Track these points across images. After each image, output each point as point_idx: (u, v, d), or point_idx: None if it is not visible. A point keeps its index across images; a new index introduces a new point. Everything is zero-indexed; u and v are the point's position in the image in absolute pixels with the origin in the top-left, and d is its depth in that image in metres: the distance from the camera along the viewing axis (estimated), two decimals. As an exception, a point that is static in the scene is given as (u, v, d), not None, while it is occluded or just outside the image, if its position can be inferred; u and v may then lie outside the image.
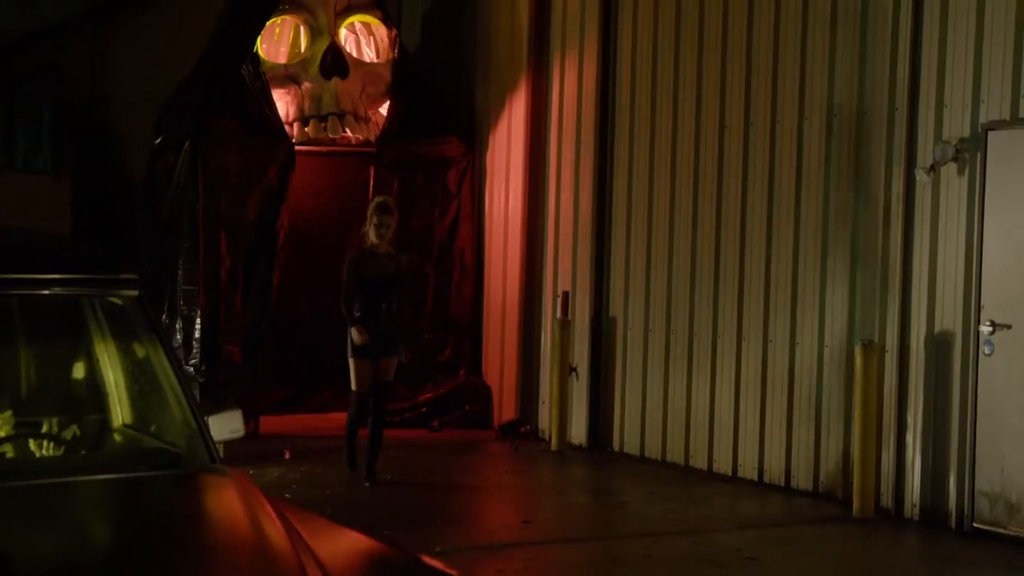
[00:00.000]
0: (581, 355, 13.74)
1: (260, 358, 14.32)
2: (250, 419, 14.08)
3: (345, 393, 15.25)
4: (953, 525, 9.95)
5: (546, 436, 13.94)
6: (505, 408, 14.91)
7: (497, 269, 15.06)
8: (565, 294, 13.96)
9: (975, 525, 9.75)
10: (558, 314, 13.91)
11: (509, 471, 12.98)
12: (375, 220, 11.41)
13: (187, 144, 14.19)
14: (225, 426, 4.95)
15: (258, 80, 14.45)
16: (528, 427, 14.53)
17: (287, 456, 12.84)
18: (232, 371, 14.16)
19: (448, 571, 3.87)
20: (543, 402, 14.21)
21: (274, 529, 3.66)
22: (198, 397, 13.83)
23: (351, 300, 11.35)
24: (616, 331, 13.41)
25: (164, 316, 14.38)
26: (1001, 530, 9.57)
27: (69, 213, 20.02)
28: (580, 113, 13.93)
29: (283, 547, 3.49)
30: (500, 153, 15.06)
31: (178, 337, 14.17)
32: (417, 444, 13.98)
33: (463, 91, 15.50)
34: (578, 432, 13.75)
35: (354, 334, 11.31)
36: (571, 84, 14.07)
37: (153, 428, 4.87)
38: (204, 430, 4.65)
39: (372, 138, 15.05)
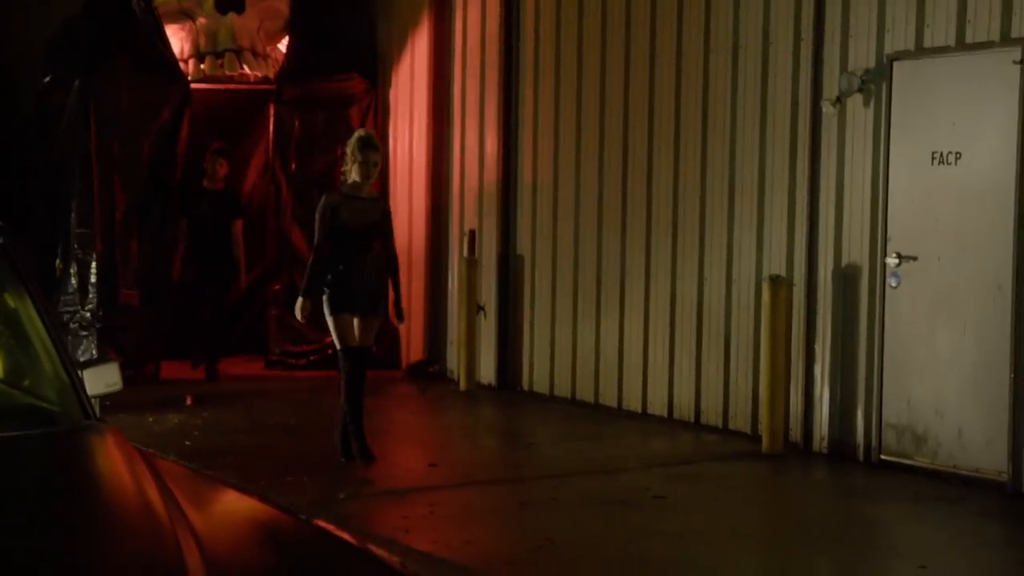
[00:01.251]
0: (488, 294, 13.55)
1: (158, 302, 13.99)
2: (149, 363, 13.91)
3: (247, 336, 15.13)
4: (861, 458, 9.89)
5: (455, 376, 13.75)
6: (413, 348, 14.70)
7: (403, 208, 14.79)
8: (472, 232, 13.74)
9: (883, 457, 9.70)
10: (464, 253, 13.70)
11: (416, 413, 12.79)
12: (359, 157, 9.64)
13: (76, 83, 13.78)
14: (100, 380, 4.71)
15: (150, 16, 14.03)
16: (436, 367, 14.34)
17: (188, 402, 12.57)
18: (130, 316, 13.84)
19: (339, 534, 3.65)
20: (451, 342, 14.03)
21: (148, 494, 3.42)
22: (95, 343, 13.60)
23: (322, 256, 9.62)
24: (524, 269, 13.22)
25: (58, 260, 14.01)
26: (908, 461, 9.52)
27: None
28: (484, 48, 13.67)
29: (156, 514, 3.26)
30: (403, 90, 14.77)
31: (73, 282, 13.81)
32: (322, 386, 13.70)
33: (365, 26, 15.15)
34: (487, 372, 13.58)
35: (298, 310, 9.64)
36: (474, 18, 13.79)
37: (25, 384, 4.60)
38: (78, 385, 4.38)
39: (271, 75, 14.71)
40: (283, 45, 14.89)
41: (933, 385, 9.37)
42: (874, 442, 9.77)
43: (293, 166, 14.72)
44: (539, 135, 12.95)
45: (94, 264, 13.73)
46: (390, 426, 11.63)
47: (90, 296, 13.74)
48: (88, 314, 13.72)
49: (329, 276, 9.64)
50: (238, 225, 13.92)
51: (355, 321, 9.73)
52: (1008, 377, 8.85)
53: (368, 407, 12.57)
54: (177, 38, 14.30)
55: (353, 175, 9.69)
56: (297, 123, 14.67)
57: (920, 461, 9.46)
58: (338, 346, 9.93)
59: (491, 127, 13.50)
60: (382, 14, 15.02)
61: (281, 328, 14.73)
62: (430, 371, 14.32)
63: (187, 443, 10.70)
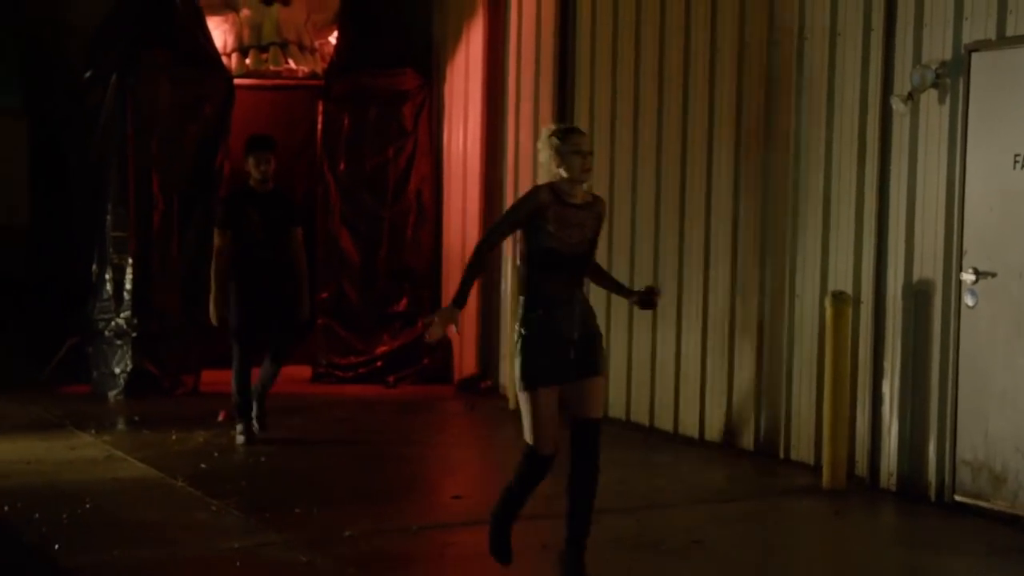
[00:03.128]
0: (542, 305, 12.60)
1: (199, 309, 13.20)
2: (188, 374, 13.17)
3: (308, 349, 14.26)
4: (933, 497, 8.85)
5: (507, 393, 12.85)
6: (466, 362, 13.85)
7: (456, 211, 13.95)
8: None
9: (956, 498, 8.64)
10: (517, 260, 12.81)
11: (456, 434, 11.94)
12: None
13: (114, 78, 13.09)
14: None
15: (191, 7, 13.31)
16: (489, 382, 13.47)
17: (221, 418, 11.78)
18: (167, 323, 13.11)
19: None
20: (504, 356, 13.12)
21: None
22: (129, 352, 12.88)
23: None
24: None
25: (94, 265, 13.34)
26: (984, 503, 8.46)
27: (24, 157, 18.91)
28: (539, 41, 12.76)
29: None
30: (459, 86, 13.92)
31: (108, 288, 13.15)
32: (367, 402, 12.96)
33: (420, 18, 14.34)
34: (539, 388, 12.64)
35: (437, 325, 6.62)
36: (530, 7, 12.89)
37: None
38: None
39: (320, 71, 13.93)
40: (333, 39, 14.09)
41: (1013, 418, 8.31)
42: (947, 480, 8.73)
43: (342, 166, 13.92)
44: (595, 135, 12.00)
45: (129, 269, 13.04)
46: (424, 450, 10.78)
47: (124, 303, 13.04)
48: (123, 322, 13.02)
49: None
50: (298, 235, 10.99)
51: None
52: (1096, 411, 7.80)
53: (408, 427, 11.81)
54: (220, 31, 13.55)
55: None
56: (346, 120, 13.87)
57: (998, 504, 8.40)
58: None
59: (545, 124, 12.55)
60: (438, 5, 14.17)
61: (328, 338, 13.95)
62: (482, 387, 13.44)
63: (203, 465, 9.94)
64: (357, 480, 9.60)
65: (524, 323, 6.67)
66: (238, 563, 7.40)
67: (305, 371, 14.02)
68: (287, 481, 9.54)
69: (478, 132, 13.52)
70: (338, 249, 13.87)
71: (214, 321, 10.89)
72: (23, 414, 11.91)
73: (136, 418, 11.93)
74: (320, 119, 13.89)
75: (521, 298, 6.78)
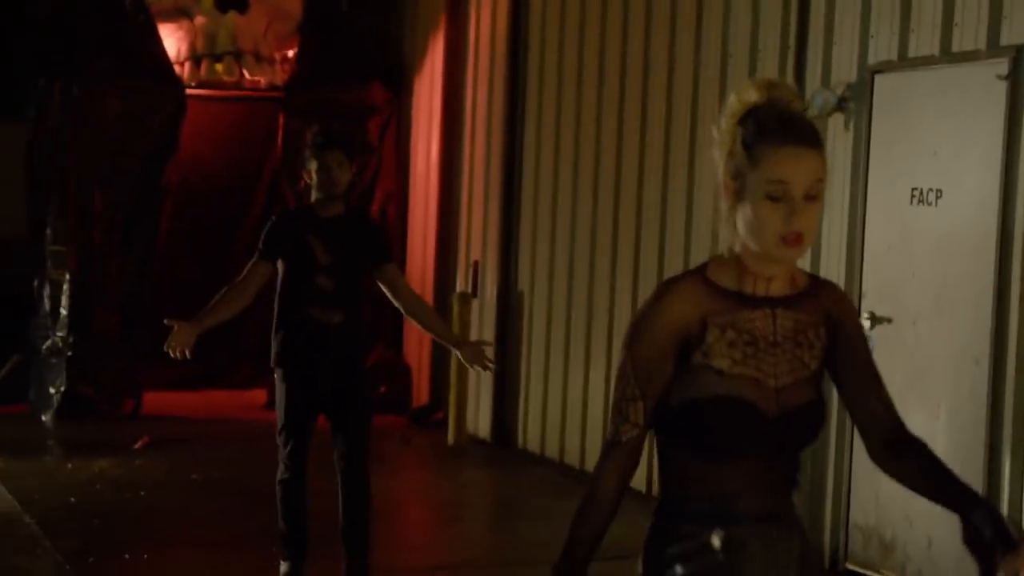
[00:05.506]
0: (489, 333, 11.87)
1: (140, 330, 12.64)
2: (129, 397, 12.62)
3: (263, 372, 13.63)
4: (827, 564, 7.99)
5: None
6: (423, 391, 13.15)
7: (418, 232, 13.29)
8: (475, 264, 12.15)
9: (848, 566, 7.79)
10: (459, 286, 12.14)
11: (385, 474, 11.19)
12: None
13: (57, 87, 12.59)
14: None
15: (142, 13, 12.74)
16: (441, 414, 12.74)
17: (139, 445, 11.19)
18: (105, 345, 12.54)
19: None
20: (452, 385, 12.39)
21: None
22: (64, 375, 12.33)
23: None
24: (523, 307, 11.55)
25: (35, 281, 12.84)
26: (873, 574, 7.61)
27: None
28: (493, 53, 12.05)
29: None
30: (424, 102, 13.25)
31: (46, 305, 12.62)
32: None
33: (390, 30, 13.68)
34: (483, 424, 11.94)
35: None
36: (486, 20, 12.19)
37: None
38: None
39: (280, 82, 13.33)
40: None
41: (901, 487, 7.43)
42: (841, 547, 7.87)
43: (303, 183, 13.25)
44: (541, 156, 11.27)
45: (67, 286, 12.51)
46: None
47: (61, 319, 12.53)
48: (59, 340, 12.51)
49: None
50: (392, 275, 7.33)
51: None
52: (983, 475, 6.91)
53: (328, 462, 11.12)
54: (173, 39, 12.99)
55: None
56: (306, 136, 13.20)
57: (886, 575, 7.54)
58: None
59: (496, 145, 11.86)
60: (409, 15, 13.51)
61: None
62: (437, 418, 12.72)
63: (72, 499, 9.35)
64: (221, 525, 8.92)
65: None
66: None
67: (260, 395, 13.42)
68: (146, 522, 8.91)
69: (436, 153, 12.84)
70: (295, 269, 13.25)
71: (173, 350, 6.92)
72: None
73: (50, 442, 11.42)
74: (280, 133, 13.29)
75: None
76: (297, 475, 7.11)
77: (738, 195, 3.19)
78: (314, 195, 7.24)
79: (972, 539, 3.14)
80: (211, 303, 7.05)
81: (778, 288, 3.30)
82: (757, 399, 3.24)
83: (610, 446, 3.35)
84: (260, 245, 7.13)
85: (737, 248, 3.26)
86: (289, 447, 7.05)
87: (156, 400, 12.71)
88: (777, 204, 3.14)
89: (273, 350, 7.08)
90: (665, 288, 3.33)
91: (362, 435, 7.20)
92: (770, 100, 3.20)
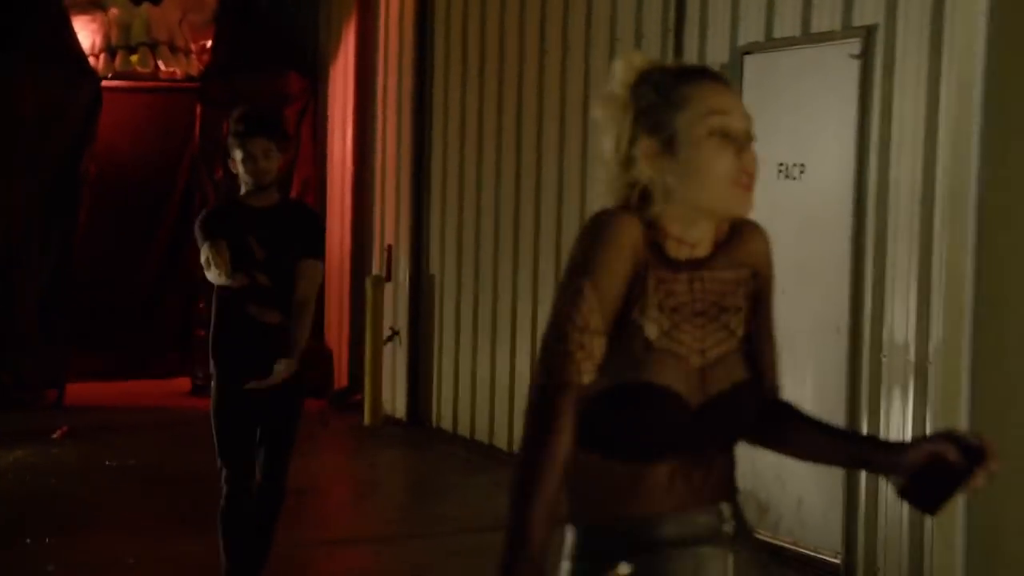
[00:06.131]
0: (401, 316, 12.13)
1: (58, 323, 12.81)
2: (51, 388, 12.80)
3: (187, 361, 13.85)
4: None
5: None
6: (342, 374, 13.38)
7: (336, 218, 13.49)
8: (389, 248, 12.38)
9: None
10: (375, 270, 12.37)
11: (297, 457, 11.42)
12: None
13: (-33, 80, 12.76)
14: None
15: (55, 5, 12.89)
16: (359, 396, 12.96)
17: (57, 435, 11.37)
18: (26, 339, 12.71)
19: None
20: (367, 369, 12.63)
21: None
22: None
23: None
24: (435, 290, 11.79)
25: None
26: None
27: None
28: (402, 40, 12.27)
29: None
30: (338, 89, 13.46)
31: (-35, 300, 12.80)
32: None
33: (305, 18, 13.87)
34: (399, 404, 12.18)
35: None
36: (395, 7, 12.41)
37: None
38: None
39: (196, 73, 13.52)
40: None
41: (774, 447, 7.72)
42: (721, 511, 8.15)
43: (220, 172, 13.48)
44: (448, 142, 11.51)
45: (-15, 282, 12.69)
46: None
47: (-20, 315, 12.70)
48: (-23, 336, 12.68)
49: None
50: (311, 272, 6.58)
51: None
52: (845, 441, 7.18)
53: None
54: (87, 31, 13.17)
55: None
56: (225, 126, 13.38)
57: (763, 535, 7.81)
58: None
59: (406, 131, 12.09)
60: (324, 3, 13.70)
61: (204, 350, 13.47)
62: (356, 399, 12.95)
63: (-17, 486, 9.54)
64: (127, 509, 9.14)
65: None
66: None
67: (184, 384, 13.64)
68: (55, 508, 9.06)
69: (351, 137, 13.06)
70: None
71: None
72: None
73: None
74: (197, 123, 13.48)
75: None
76: (236, 502, 6.44)
77: (666, 148, 2.82)
78: (242, 187, 6.47)
79: (921, 479, 2.83)
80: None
81: (701, 250, 2.91)
82: (680, 388, 2.78)
83: (560, 389, 2.70)
84: (199, 235, 6.42)
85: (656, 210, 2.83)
86: (227, 470, 6.43)
87: (80, 390, 12.90)
88: (723, 141, 2.84)
89: (210, 352, 6.62)
90: (610, 215, 2.82)
91: (287, 449, 6.64)
92: (656, 64, 2.94)
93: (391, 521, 9.18)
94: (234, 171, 6.48)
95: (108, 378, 13.66)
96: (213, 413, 6.47)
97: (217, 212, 6.59)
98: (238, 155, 6.39)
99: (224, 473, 6.42)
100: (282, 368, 6.36)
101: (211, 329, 6.64)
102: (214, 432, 6.45)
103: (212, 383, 6.58)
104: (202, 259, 6.40)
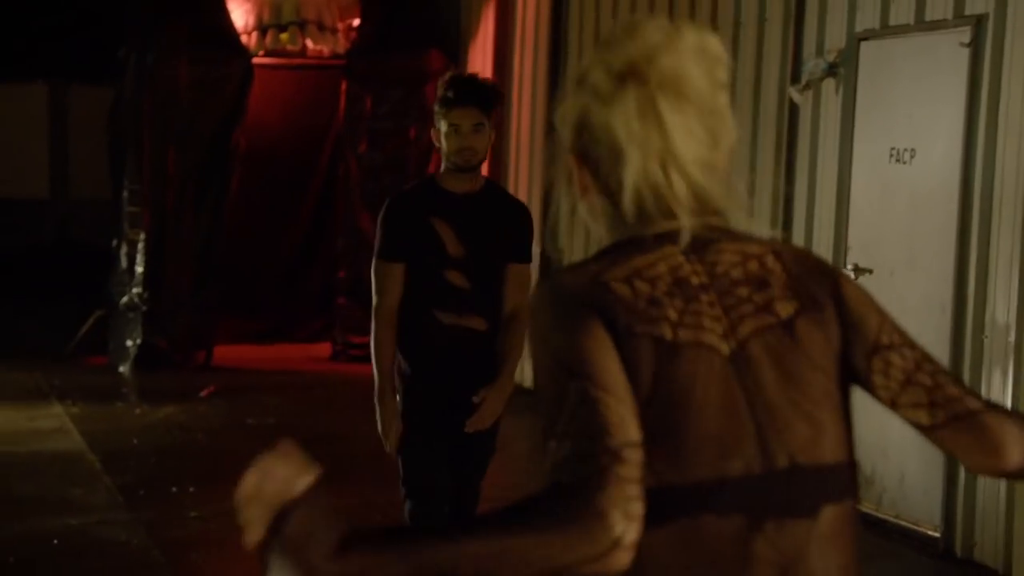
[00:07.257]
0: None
1: (211, 286, 13.45)
2: (200, 349, 13.43)
3: (328, 327, 14.40)
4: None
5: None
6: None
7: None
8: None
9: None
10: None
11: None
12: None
13: (133, 56, 13.40)
14: None
15: (211, -16, 13.51)
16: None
17: (204, 394, 11.99)
18: (178, 300, 13.36)
19: None
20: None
21: None
22: (140, 329, 13.16)
23: None
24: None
25: (113, 240, 13.71)
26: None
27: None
28: (538, 20, 12.65)
29: None
30: (477, 67, 13.80)
31: (123, 262, 13.47)
32: (364, 382, 13.00)
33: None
34: (527, 373, 12.57)
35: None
36: (533, -9, 12.80)
37: None
38: None
39: (343, 51, 14.02)
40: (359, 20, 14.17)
41: (879, 420, 7.95)
42: (829, 482, 8.44)
43: (363, 147, 14.00)
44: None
45: (141, 244, 13.33)
46: (364, 435, 10.84)
47: (137, 276, 13.35)
48: (136, 296, 13.34)
49: None
50: (524, 279, 5.49)
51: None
52: (947, 418, 7.44)
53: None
54: (241, 10, 13.69)
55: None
56: (368, 101, 13.93)
57: (866, 507, 8.10)
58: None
59: (540, 107, 12.46)
60: (465, -16, 14.12)
61: (346, 317, 14.05)
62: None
63: (135, 441, 10.15)
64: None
65: None
66: (55, 541, 7.55)
67: (325, 349, 14.19)
68: (200, 460, 9.65)
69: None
70: (357, 230, 13.90)
71: (389, 450, 5.48)
72: (16, 383, 12.27)
73: (124, 390, 12.24)
74: (342, 100, 13.98)
75: None
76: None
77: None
78: (442, 164, 5.40)
79: None
80: (377, 368, 5.38)
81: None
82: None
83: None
84: (378, 241, 5.44)
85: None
86: (412, 506, 5.37)
87: (227, 352, 13.51)
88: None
89: (398, 367, 5.43)
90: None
91: (481, 477, 5.56)
92: None
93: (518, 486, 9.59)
94: (436, 144, 5.38)
95: (253, 341, 14.26)
96: (403, 444, 5.37)
97: (408, 195, 5.48)
98: (443, 126, 5.27)
99: (408, 505, 5.39)
100: (496, 402, 5.31)
101: (400, 339, 5.42)
102: (401, 467, 5.41)
103: (400, 402, 5.42)
104: (373, 278, 5.46)
